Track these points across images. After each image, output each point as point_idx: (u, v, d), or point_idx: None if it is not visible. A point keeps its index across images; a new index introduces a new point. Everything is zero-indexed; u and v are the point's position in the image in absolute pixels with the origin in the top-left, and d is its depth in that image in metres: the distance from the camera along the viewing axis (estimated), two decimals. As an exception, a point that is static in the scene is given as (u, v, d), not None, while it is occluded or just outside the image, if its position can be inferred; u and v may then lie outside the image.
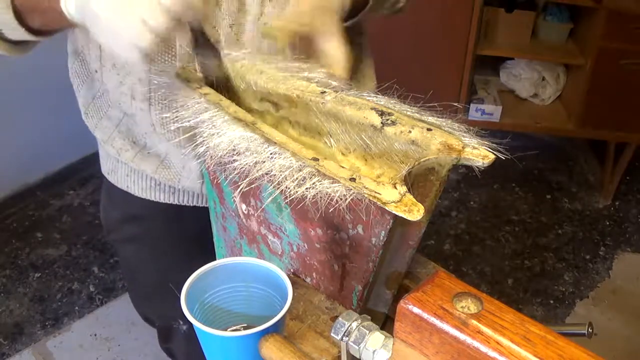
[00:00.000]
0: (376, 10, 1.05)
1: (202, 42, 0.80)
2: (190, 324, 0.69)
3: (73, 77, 1.12)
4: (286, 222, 0.78)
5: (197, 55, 0.82)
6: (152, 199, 1.12)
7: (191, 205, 1.13)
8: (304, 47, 0.85)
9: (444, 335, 0.51)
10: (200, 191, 1.11)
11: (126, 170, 1.12)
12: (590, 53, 2.49)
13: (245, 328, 0.73)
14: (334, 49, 0.84)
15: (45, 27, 0.90)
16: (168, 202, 1.12)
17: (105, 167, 1.17)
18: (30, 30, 0.89)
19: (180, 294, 0.67)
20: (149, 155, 1.07)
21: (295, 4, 0.87)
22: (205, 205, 1.09)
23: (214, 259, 1.16)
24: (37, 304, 2.21)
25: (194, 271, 1.08)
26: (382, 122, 0.75)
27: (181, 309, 1.19)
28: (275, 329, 0.65)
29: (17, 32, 0.89)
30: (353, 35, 1.08)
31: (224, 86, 0.84)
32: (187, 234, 1.15)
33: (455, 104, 0.77)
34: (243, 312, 0.74)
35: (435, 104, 0.75)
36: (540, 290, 2.39)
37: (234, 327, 0.75)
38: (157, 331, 1.27)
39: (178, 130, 0.96)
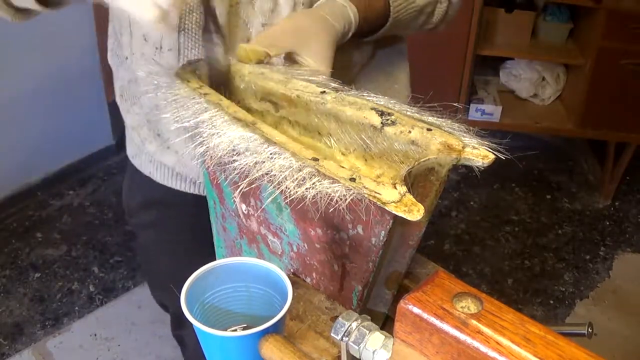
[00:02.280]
0: (401, 29, 1.04)
1: (212, 26, 0.79)
2: None
3: (112, 58, 1.12)
4: (286, 222, 0.78)
5: (204, 40, 0.81)
6: (174, 187, 1.12)
7: None
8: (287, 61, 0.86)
9: (444, 335, 0.51)
10: None
11: (149, 157, 1.12)
12: (590, 53, 2.49)
13: (245, 328, 0.73)
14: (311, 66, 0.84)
15: None
16: (189, 191, 1.12)
17: (130, 151, 1.18)
18: None
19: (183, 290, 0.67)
20: (168, 150, 1.08)
21: (270, 27, 0.88)
22: None
23: None
24: (37, 304, 2.21)
25: (209, 262, 1.09)
26: (382, 122, 0.75)
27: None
28: (275, 329, 0.65)
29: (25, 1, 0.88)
30: (390, 40, 1.08)
31: (224, 85, 0.85)
32: (206, 224, 1.15)
33: (455, 104, 0.77)
34: (243, 312, 0.74)
35: (435, 104, 0.75)
36: (540, 290, 2.39)
37: (234, 328, 0.75)
38: (171, 317, 1.29)
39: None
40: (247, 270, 0.71)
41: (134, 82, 1.08)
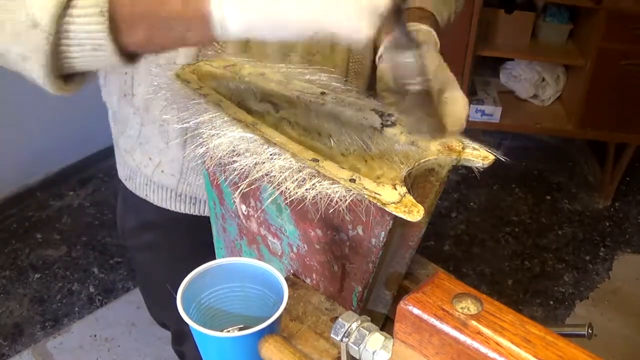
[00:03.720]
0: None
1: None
2: None
3: (105, 95, 1.08)
4: (286, 223, 0.78)
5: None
6: (172, 209, 1.09)
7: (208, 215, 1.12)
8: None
9: (444, 336, 0.51)
10: None
11: (145, 180, 1.08)
12: (590, 54, 2.49)
13: (242, 329, 0.73)
14: (456, 100, 0.75)
15: (153, 46, 0.64)
16: (189, 212, 1.09)
17: (123, 173, 1.13)
18: (124, 51, 0.63)
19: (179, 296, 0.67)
20: (163, 174, 1.04)
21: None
22: None
23: None
24: (37, 305, 2.21)
25: None
26: (382, 123, 0.75)
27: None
28: (271, 330, 0.65)
29: (97, 56, 0.62)
30: None
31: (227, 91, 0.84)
32: (205, 242, 1.12)
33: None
34: (240, 312, 0.74)
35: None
36: (540, 291, 2.39)
37: (231, 328, 0.75)
38: (172, 334, 1.28)
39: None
40: (243, 270, 0.71)
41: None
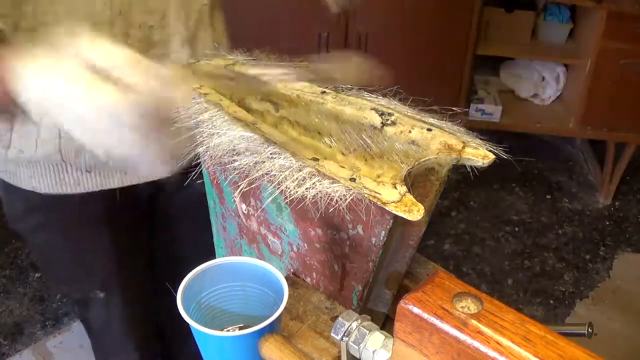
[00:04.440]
0: None
1: None
2: (108, 292, 0.65)
3: None
4: (286, 222, 0.78)
5: None
6: (58, 192, 1.10)
7: (97, 190, 1.11)
8: None
9: (444, 335, 0.51)
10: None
11: (29, 173, 1.08)
12: (591, 53, 2.49)
13: (242, 328, 0.73)
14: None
15: None
16: (74, 192, 1.10)
17: (6, 174, 1.11)
18: None
19: (176, 295, 0.67)
20: (45, 140, 1.01)
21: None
22: (111, 187, 1.10)
23: (127, 235, 1.20)
24: (37, 304, 2.21)
25: (105, 248, 1.08)
26: (382, 122, 0.75)
27: (97, 280, 1.20)
28: (271, 329, 0.65)
29: None
30: None
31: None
32: (95, 215, 1.16)
33: (456, 109, 0.77)
34: (240, 312, 0.74)
35: (435, 107, 0.75)
36: (540, 290, 2.39)
37: (231, 327, 0.75)
38: (77, 303, 1.31)
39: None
40: (243, 269, 0.71)
41: None
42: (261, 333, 0.65)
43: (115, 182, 1.12)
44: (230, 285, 0.72)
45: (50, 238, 1.19)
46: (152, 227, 1.28)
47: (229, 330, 0.74)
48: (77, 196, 1.11)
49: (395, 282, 0.85)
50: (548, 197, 2.84)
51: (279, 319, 0.66)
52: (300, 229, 0.77)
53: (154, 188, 1.18)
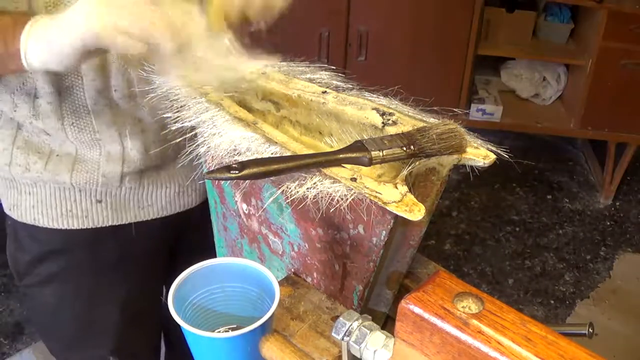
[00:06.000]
0: None
1: None
2: (120, 355, 0.63)
3: None
4: (287, 222, 0.78)
5: None
6: (65, 227, 1.03)
7: (107, 225, 1.04)
8: None
9: (445, 335, 0.51)
10: (120, 184, 1.02)
11: (32, 202, 1.02)
12: (591, 53, 2.49)
13: (235, 329, 0.73)
14: None
15: None
16: (82, 227, 1.03)
17: (7, 203, 1.06)
18: None
19: (168, 300, 0.66)
20: (59, 158, 0.99)
21: None
22: (125, 223, 1.04)
23: (141, 283, 1.11)
24: (38, 304, 2.21)
25: (119, 300, 1.00)
26: (383, 122, 0.75)
27: (109, 342, 1.10)
28: (262, 330, 0.65)
29: None
30: None
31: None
32: (108, 259, 1.07)
33: (456, 110, 0.77)
34: (234, 313, 0.73)
35: (436, 108, 0.75)
36: (540, 291, 2.39)
37: (223, 328, 0.74)
38: None
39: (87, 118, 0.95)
40: (235, 271, 0.71)
41: None
42: (253, 334, 0.64)
43: (129, 216, 1.05)
44: (223, 286, 0.72)
45: (58, 292, 1.08)
46: (172, 271, 1.02)
47: (220, 332, 0.73)
48: (87, 233, 1.03)
49: (396, 282, 0.85)
50: (549, 197, 2.84)
51: (271, 319, 0.66)
52: (301, 228, 0.77)
53: (174, 226, 1.09)
